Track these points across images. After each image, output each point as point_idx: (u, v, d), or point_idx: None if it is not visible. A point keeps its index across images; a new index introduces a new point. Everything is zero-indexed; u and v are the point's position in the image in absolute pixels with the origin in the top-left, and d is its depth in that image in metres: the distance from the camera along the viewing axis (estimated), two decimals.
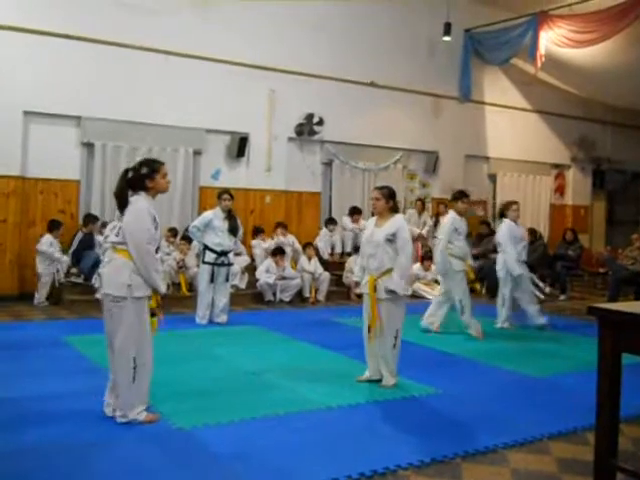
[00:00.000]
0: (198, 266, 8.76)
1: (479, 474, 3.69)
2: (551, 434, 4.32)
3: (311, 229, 11.88)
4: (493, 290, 11.22)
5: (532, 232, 11.83)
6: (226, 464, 3.70)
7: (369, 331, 5.41)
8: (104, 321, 4.33)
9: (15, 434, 4.02)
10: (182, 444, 3.97)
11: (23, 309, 8.78)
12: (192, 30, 10.51)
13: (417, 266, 11.00)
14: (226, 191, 8.35)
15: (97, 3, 9.77)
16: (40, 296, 9.10)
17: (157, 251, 4.42)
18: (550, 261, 11.93)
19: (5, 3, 9.24)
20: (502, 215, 8.34)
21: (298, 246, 10.87)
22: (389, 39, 12.44)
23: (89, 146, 10.03)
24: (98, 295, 8.13)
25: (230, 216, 8.22)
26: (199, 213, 9.65)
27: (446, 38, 12.63)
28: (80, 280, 9.25)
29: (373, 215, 5.77)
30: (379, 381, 5.42)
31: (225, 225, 8.12)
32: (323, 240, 11.47)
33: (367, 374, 5.51)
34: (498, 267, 8.24)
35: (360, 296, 5.63)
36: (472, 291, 8.14)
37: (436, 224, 11.35)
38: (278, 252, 10.07)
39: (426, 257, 11.15)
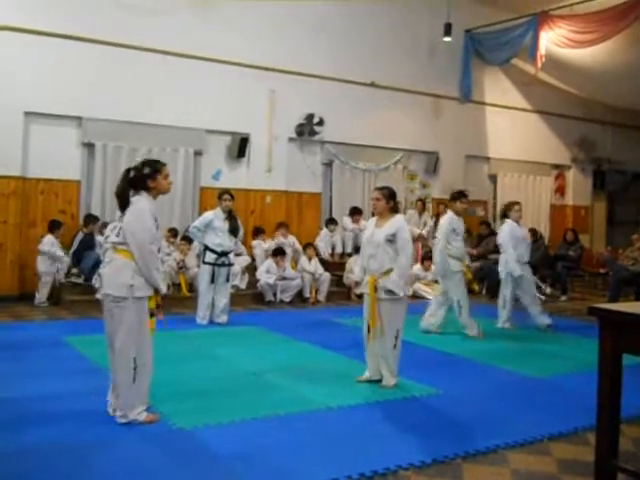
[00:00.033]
0: (198, 266, 8.76)
1: (480, 474, 3.69)
2: (552, 435, 4.32)
3: (311, 229, 11.88)
4: (493, 290, 11.23)
5: (533, 232, 11.82)
6: (227, 464, 3.70)
7: (368, 331, 5.41)
8: (104, 321, 4.33)
9: (15, 434, 4.02)
10: (183, 444, 3.96)
11: (23, 309, 8.78)
12: (192, 30, 10.51)
13: (417, 266, 11.00)
14: (227, 191, 8.35)
15: (97, 3, 9.77)
16: (41, 296, 9.10)
17: (158, 251, 4.42)
18: (551, 261, 11.94)
19: (5, 3, 9.25)
20: (504, 216, 8.34)
21: (298, 246, 10.87)
22: (389, 39, 12.44)
23: (89, 146, 10.03)
24: (98, 295, 8.12)
25: (231, 216, 8.22)
26: (200, 213, 9.66)
27: (446, 38, 12.64)
28: (80, 280, 9.26)
29: (373, 215, 5.76)
30: (379, 381, 5.42)
31: (225, 225, 8.13)
32: (323, 240, 11.47)
33: (367, 374, 5.51)
34: (500, 268, 8.24)
35: (360, 296, 5.63)
36: (470, 291, 8.14)
37: (436, 224, 11.33)
38: (278, 252, 10.07)
39: (426, 257, 11.14)
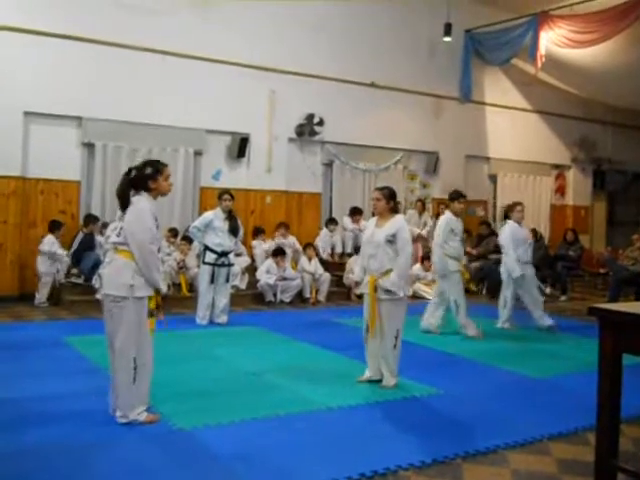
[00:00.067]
0: (198, 266, 8.76)
1: (480, 475, 3.69)
2: (552, 435, 4.32)
3: (311, 230, 11.87)
4: (493, 291, 11.24)
5: (533, 233, 11.82)
6: (227, 464, 3.70)
7: (367, 331, 5.42)
8: (104, 322, 4.33)
9: (16, 435, 4.02)
10: (183, 444, 3.96)
11: (23, 309, 8.78)
12: (192, 30, 10.51)
13: (417, 266, 11.00)
14: (226, 191, 8.35)
15: (97, 3, 9.77)
16: (41, 296, 9.10)
17: (158, 251, 4.43)
18: (551, 261, 11.94)
19: (5, 3, 9.25)
20: (506, 217, 8.33)
21: (299, 246, 10.87)
22: (389, 39, 12.45)
23: (90, 146, 10.03)
24: (98, 296, 8.13)
25: (231, 217, 8.22)
26: (200, 213, 9.66)
27: (446, 39, 12.63)
28: (80, 281, 9.26)
29: (373, 215, 5.77)
30: (379, 381, 5.42)
31: (225, 226, 8.13)
32: (323, 240, 11.47)
33: (367, 374, 5.51)
34: (502, 269, 8.24)
35: (360, 296, 5.63)
36: (467, 291, 8.14)
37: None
38: (278, 253, 10.07)
39: (426, 257, 11.14)
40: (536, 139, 14.96)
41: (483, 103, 14.06)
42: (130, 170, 4.41)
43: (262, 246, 10.69)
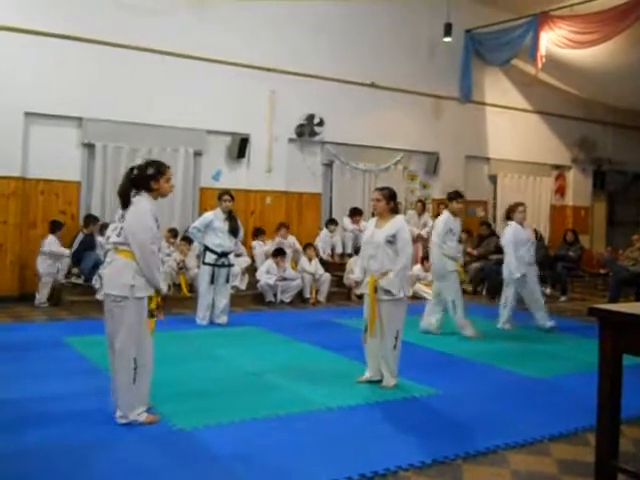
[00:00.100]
0: (198, 267, 8.77)
1: (480, 475, 3.69)
2: (552, 435, 4.32)
3: (311, 230, 11.87)
4: (493, 291, 11.24)
5: (533, 233, 11.84)
6: (227, 465, 3.70)
7: (365, 331, 5.42)
8: (105, 322, 4.33)
9: (16, 435, 4.02)
10: (183, 445, 3.97)
11: (23, 310, 8.78)
12: (193, 31, 10.51)
13: (417, 267, 11.00)
14: (226, 192, 8.35)
15: (97, 4, 9.77)
16: (41, 296, 9.10)
17: (158, 251, 4.43)
18: (551, 262, 11.93)
19: (5, 4, 9.25)
20: (508, 217, 8.32)
21: (299, 247, 10.87)
22: (389, 40, 12.45)
23: (90, 147, 10.03)
24: (99, 296, 8.15)
25: (230, 217, 8.22)
26: (200, 214, 9.67)
27: (447, 39, 12.63)
28: (80, 281, 9.25)
29: (373, 216, 5.77)
30: (379, 382, 5.42)
31: (225, 226, 8.13)
32: (323, 241, 11.47)
33: (367, 375, 5.51)
34: (504, 269, 8.25)
35: (361, 297, 5.63)
36: (463, 292, 8.13)
37: None
38: (279, 253, 10.07)
39: (426, 258, 11.13)
40: (536, 139, 14.96)
41: (483, 103, 14.06)
42: (132, 169, 4.42)
43: (262, 247, 10.69)
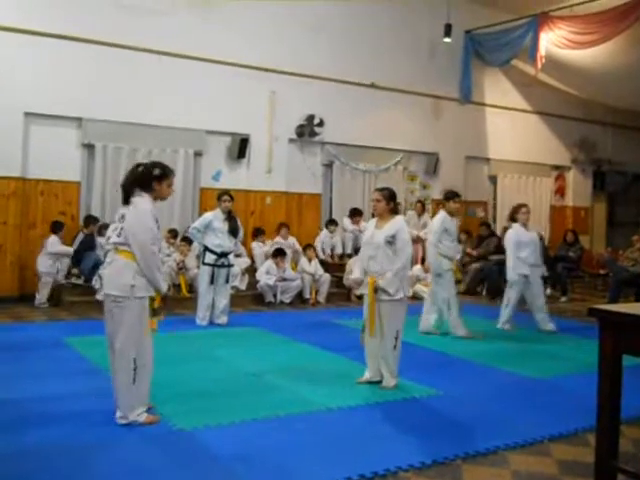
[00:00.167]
0: (198, 267, 8.77)
1: (480, 476, 3.69)
2: (552, 436, 4.32)
3: (311, 230, 11.87)
4: (493, 292, 11.25)
5: None
6: (227, 465, 3.70)
7: (362, 331, 5.42)
8: (105, 322, 4.33)
9: (16, 435, 4.02)
10: (183, 445, 3.97)
11: (23, 310, 8.78)
12: (192, 31, 10.51)
13: (418, 267, 11.00)
14: (226, 192, 8.35)
15: (97, 4, 9.78)
16: (41, 297, 9.10)
17: (158, 251, 4.44)
18: (551, 262, 11.93)
19: (4, 4, 9.25)
20: (512, 219, 8.32)
21: (298, 247, 10.87)
22: (389, 40, 12.45)
23: (90, 147, 10.04)
24: (99, 296, 8.15)
25: (230, 217, 8.22)
26: (199, 214, 9.67)
27: (447, 39, 12.62)
28: (80, 281, 9.26)
29: (373, 217, 5.77)
30: (379, 382, 5.42)
31: (225, 226, 8.13)
32: (323, 241, 11.47)
33: (367, 375, 5.51)
34: (507, 269, 8.25)
35: (360, 297, 5.63)
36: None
37: None
38: (278, 253, 10.07)
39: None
40: (536, 140, 14.96)
41: (483, 104, 14.06)
42: (139, 165, 4.45)
43: (262, 248, 10.69)
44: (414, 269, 10.37)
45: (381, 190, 5.58)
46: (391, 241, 5.30)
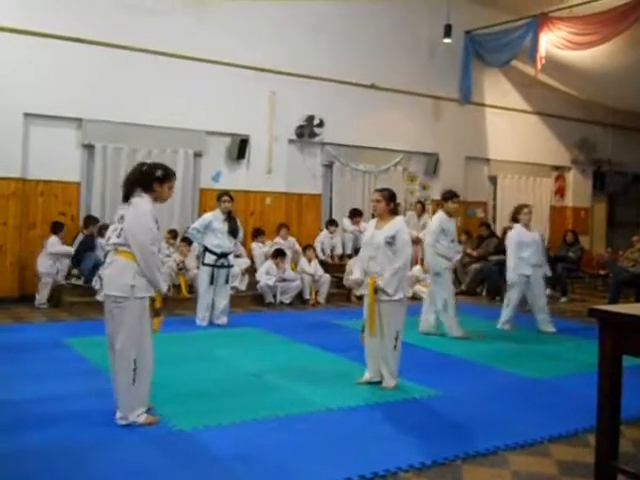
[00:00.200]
0: (198, 268, 8.77)
1: (480, 476, 3.69)
2: (552, 436, 4.32)
3: (311, 231, 11.87)
4: (493, 292, 11.26)
5: None
6: (227, 465, 3.70)
7: (362, 331, 5.42)
8: (105, 323, 4.34)
9: (16, 436, 4.02)
10: (183, 446, 3.96)
11: (23, 311, 8.78)
12: (193, 32, 10.51)
13: (417, 268, 10.99)
14: (226, 193, 8.36)
15: (97, 5, 9.77)
16: (41, 297, 9.10)
17: (158, 252, 4.44)
18: (551, 263, 11.91)
19: (5, 5, 9.25)
20: (514, 219, 8.32)
21: (298, 248, 10.87)
22: (389, 40, 12.45)
23: (89, 148, 10.04)
24: (99, 297, 8.15)
25: (230, 218, 8.22)
26: (199, 215, 9.68)
27: (446, 40, 12.63)
28: (80, 282, 9.26)
29: (373, 217, 5.77)
30: (379, 383, 5.42)
31: (225, 227, 8.13)
32: (323, 242, 11.47)
33: (367, 376, 5.51)
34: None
35: (360, 298, 5.63)
36: None
37: None
38: (278, 254, 10.07)
39: None
40: (536, 140, 14.97)
41: (483, 104, 14.07)
42: (143, 164, 4.47)
43: (261, 249, 10.69)
44: (414, 270, 10.36)
45: (381, 191, 5.58)
46: (391, 242, 5.30)
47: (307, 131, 11.66)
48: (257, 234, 10.86)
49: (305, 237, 11.46)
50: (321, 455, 3.88)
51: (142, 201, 4.32)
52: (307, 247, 10.72)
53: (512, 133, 14.49)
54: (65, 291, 9.23)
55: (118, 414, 4.25)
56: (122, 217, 4.33)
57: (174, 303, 9.09)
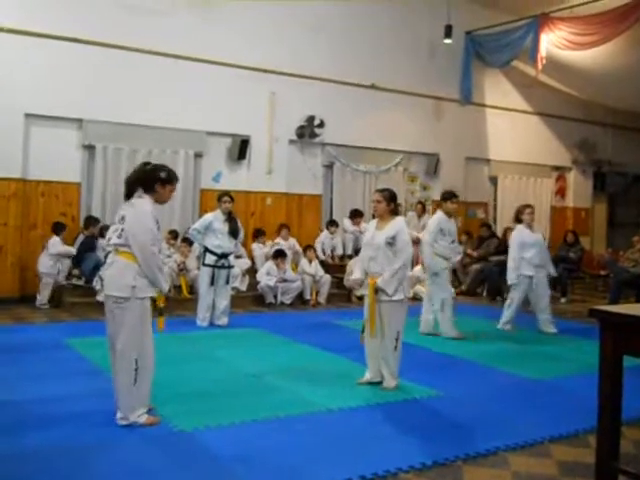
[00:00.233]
0: (199, 268, 8.77)
1: (480, 477, 3.69)
2: (552, 437, 4.32)
3: (312, 231, 11.87)
4: (494, 292, 11.25)
5: None
6: (227, 466, 3.70)
7: (362, 331, 5.42)
8: (106, 324, 4.33)
9: (16, 437, 4.02)
10: (183, 446, 3.97)
11: (24, 311, 8.78)
12: (192, 32, 10.51)
13: (418, 268, 10.97)
14: (226, 193, 8.36)
15: (97, 5, 9.78)
16: (42, 298, 9.10)
17: (159, 252, 4.44)
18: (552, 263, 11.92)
19: (5, 5, 9.25)
20: (517, 220, 8.32)
21: (299, 248, 10.87)
22: (389, 41, 12.45)
23: (90, 148, 10.04)
24: (99, 298, 8.15)
25: (230, 218, 8.22)
26: (200, 215, 9.68)
27: (447, 40, 12.62)
28: (81, 283, 9.26)
29: (374, 218, 5.77)
30: (380, 383, 5.42)
31: (225, 227, 8.13)
32: (323, 242, 11.47)
33: (367, 376, 5.51)
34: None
35: (361, 298, 5.63)
36: None
37: None
38: (279, 254, 10.07)
39: None
40: (536, 141, 14.97)
41: (483, 105, 14.07)
42: (147, 164, 4.48)
43: (262, 250, 10.68)
44: (415, 270, 10.36)
45: (381, 191, 5.58)
46: (391, 242, 5.30)
47: (307, 131, 11.66)
48: (258, 235, 10.86)
49: (305, 238, 11.46)
50: (321, 455, 3.88)
51: (142, 202, 4.33)
52: (308, 248, 10.72)
53: (513, 133, 14.49)
54: (66, 292, 9.23)
55: (119, 414, 4.25)
56: (123, 218, 4.34)
57: (175, 304, 9.09)
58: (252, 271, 10.37)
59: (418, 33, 12.83)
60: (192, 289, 9.52)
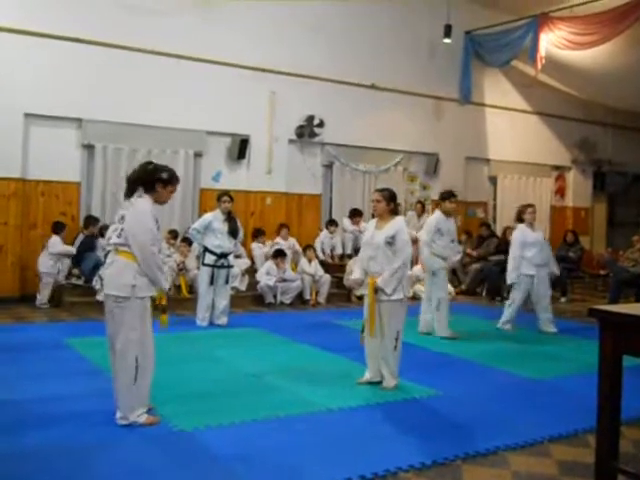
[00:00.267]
0: (198, 268, 8.77)
1: (480, 476, 3.69)
2: (552, 436, 4.32)
3: (311, 231, 11.87)
4: (493, 292, 11.26)
5: None
6: (227, 465, 3.70)
7: (362, 331, 5.42)
8: (106, 324, 4.34)
9: (16, 436, 4.02)
10: (183, 446, 3.97)
11: (24, 311, 8.78)
12: (192, 32, 10.51)
13: (417, 268, 10.97)
14: (226, 193, 8.36)
15: (98, 5, 9.78)
16: (42, 297, 9.10)
17: (158, 252, 4.44)
18: None
19: (5, 5, 9.25)
20: (519, 219, 8.33)
21: (298, 248, 10.87)
22: (389, 40, 12.45)
23: (90, 148, 10.04)
24: (99, 297, 8.15)
25: (230, 218, 8.22)
26: (199, 215, 9.68)
27: (447, 40, 12.62)
28: (81, 282, 9.26)
29: (373, 217, 5.77)
30: (379, 383, 5.42)
31: (225, 227, 8.13)
32: (322, 242, 11.47)
33: (367, 376, 5.51)
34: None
35: (361, 298, 5.63)
36: None
37: None
38: (278, 254, 10.07)
39: None
40: (536, 141, 14.97)
41: (483, 105, 14.07)
42: (150, 163, 4.48)
43: (261, 249, 10.68)
44: (414, 269, 10.36)
45: (381, 191, 5.59)
46: (391, 242, 5.30)
47: (307, 131, 11.66)
48: (257, 234, 10.86)
49: (305, 237, 11.46)
50: (321, 455, 3.88)
51: (142, 201, 4.33)
52: (307, 247, 10.72)
53: (512, 133, 14.49)
54: (66, 291, 9.23)
55: (118, 414, 4.25)
56: (123, 217, 4.34)
57: (174, 303, 9.07)
58: (252, 271, 10.37)
59: (418, 33, 12.83)
60: (192, 289, 9.52)
